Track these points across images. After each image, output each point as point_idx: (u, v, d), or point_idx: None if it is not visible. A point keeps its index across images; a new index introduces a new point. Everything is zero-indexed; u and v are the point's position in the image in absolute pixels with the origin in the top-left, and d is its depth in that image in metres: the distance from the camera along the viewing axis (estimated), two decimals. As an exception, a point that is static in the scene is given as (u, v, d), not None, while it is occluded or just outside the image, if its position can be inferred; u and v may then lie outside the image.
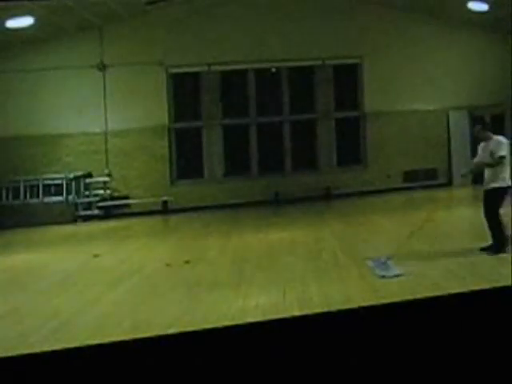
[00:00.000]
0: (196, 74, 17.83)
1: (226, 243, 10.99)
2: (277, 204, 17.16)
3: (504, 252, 7.78)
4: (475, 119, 17.75)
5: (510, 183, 8.13)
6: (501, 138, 8.26)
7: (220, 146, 17.91)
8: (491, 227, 8.08)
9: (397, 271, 7.39)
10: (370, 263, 7.86)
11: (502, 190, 8.09)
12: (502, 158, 8.05)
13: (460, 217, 12.90)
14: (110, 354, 1.83)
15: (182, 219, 15.92)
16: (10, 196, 16.27)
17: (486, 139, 8.31)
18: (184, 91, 17.91)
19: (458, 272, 7.21)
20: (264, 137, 18.09)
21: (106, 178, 16.79)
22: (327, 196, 17.41)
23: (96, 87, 16.98)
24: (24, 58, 16.68)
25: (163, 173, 17.48)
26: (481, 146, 8.41)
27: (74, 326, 6.18)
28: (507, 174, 8.13)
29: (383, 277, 7.24)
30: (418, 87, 17.91)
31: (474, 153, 17.74)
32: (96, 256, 10.16)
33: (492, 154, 8.14)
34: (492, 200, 8.12)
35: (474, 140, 17.92)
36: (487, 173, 8.24)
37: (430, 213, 9.92)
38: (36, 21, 14.79)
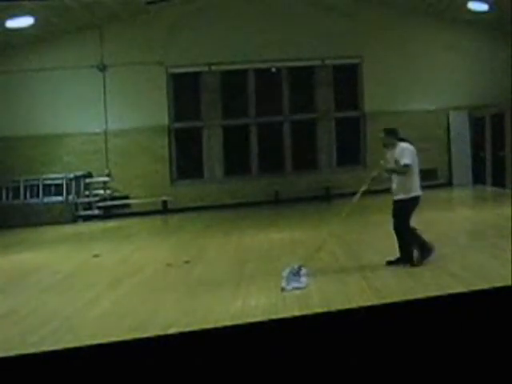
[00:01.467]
0: (196, 74, 17.83)
1: (225, 243, 10.99)
2: (277, 204, 17.16)
3: (411, 263, 7.50)
4: (475, 119, 17.82)
5: (418, 193, 7.74)
6: (405, 145, 7.85)
7: (220, 146, 17.91)
8: (399, 239, 7.70)
9: (300, 284, 7.06)
10: (284, 273, 7.45)
11: (409, 201, 7.69)
12: (406, 166, 7.67)
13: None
14: (110, 353, 1.83)
15: (181, 219, 15.92)
16: (10, 196, 16.27)
17: (392, 146, 7.96)
18: (184, 91, 17.90)
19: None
20: (264, 137, 18.09)
21: (106, 178, 16.79)
22: (327, 196, 17.40)
23: (96, 87, 16.98)
24: (24, 58, 16.68)
25: (163, 173, 17.48)
26: (389, 154, 8.06)
27: (74, 326, 6.18)
28: (415, 183, 7.75)
29: (282, 289, 6.91)
30: (418, 87, 17.91)
31: (474, 153, 17.89)
32: (96, 256, 10.16)
33: (396, 161, 7.79)
34: (400, 211, 7.71)
35: (472, 140, 18.02)
36: (394, 182, 7.87)
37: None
38: (36, 21, 14.78)
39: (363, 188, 8.15)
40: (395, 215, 7.79)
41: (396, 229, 7.76)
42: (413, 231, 7.70)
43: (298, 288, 6.93)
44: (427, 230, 10.68)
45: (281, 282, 7.12)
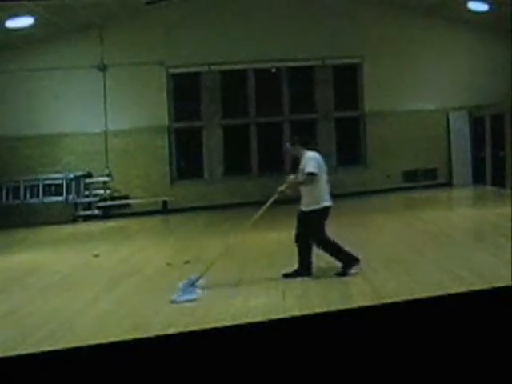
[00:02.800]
0: (196, 74, 17.83)
1: (225, 243, 10.97)
2: (277, 204, 17.11)
3: (309, 275, 7.31)
4: (475, 119, 17.82)
5: (329, 203, 7.47)
6: (310, 154, 7.48)
7: (220, 146, 17.91)
8: (300, 251, 7.47)
9: (193, 296, 6.83)
10: (181, 284, 7.22)
11: (316, 213, 7.40)
12: (310, 174, 7.32)
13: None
14: (110, 354, 1.83)
15: (181, 219, 15.91)
16: (10, 196, 16.27)
17: (299, 155, 7.58)
18: (184, 91, 17.90)
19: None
20: (264, 137, 18.09)
21: (106, 178, 16.79)
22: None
23: (96, 87, 16.97)
24: (24, 58, 16.68)
25: (163, 173, 17.48)
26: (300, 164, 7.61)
27: (74, 326, 6.18)
28: (323, 194, 7.44)
29: (173, 301, 6.67)
30: (418, 87, 17.92)
31: (474, 153, 17.89)
32: (96, 256, 10.16)
33: (302, 171, 7.45)
34: (311, 223, 7.42)
35: (472, 140, 18.02)
36: (302, 192, 7.53)
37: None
38: (36, 21, 14.79)
39: (270, 201, 7.95)
40: (305, 227, 7.45)
41: (297, 241, 7.50)
42: (332, 241, 7.46)
43: (188, 300, 6.69)
44: (427, 230, 10.72)
45: (177, 292, 6.92)
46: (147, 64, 17.04)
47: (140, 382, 1.77)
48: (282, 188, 7.74)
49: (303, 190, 7.50)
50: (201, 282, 7.32)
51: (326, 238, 7.42)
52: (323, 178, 7.50)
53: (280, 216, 15.15)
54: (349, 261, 7.34)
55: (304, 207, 7.54)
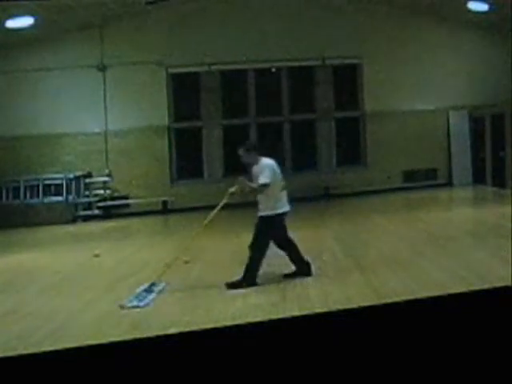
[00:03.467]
0: (196, 74, 17.82)
1: (225, 243, 10.99)
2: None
3: (254, 285, 7.11)
4: (475, 119, 17.82)
5: (285, 209, 7.36)
6: (265, 162, 7.33)
7: (220, 146, 17.90)
8: (289, 254, 7.37)
9: (143, 302, 6.74)
10: (137, 289, 7.18)
11: (270, 219, 7.24)
12: (263, 185, 7.16)
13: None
14: (110, 354, 1.83)
15: (181, 219, 15.90)
16: (10, 196, 16.26)
17: (254, 162, 7.40)
18: (184, 91, 17.90)
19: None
20: (264, 137, 18.08)
21: (106, 178, 16.79)
22: (327, 196, 17.40)
23: (96, 87, 16.97)
24: (24, 58, 16.68)
25: (163, 173, 17.48)
26: (253, 170, 7.46)
27: (74, 326, 6.18)
28: (277, 201, 7.30)
29: (121, 307, 6.57)
30: (418, 87, 17.91)
31: (474, 153, 17.88)
32: (96, 256, 10.15)
33: (256, 178, 7.30)
34: (259, 229, 7.30)
35: (472, 140, 18.02)
36: (259, 198, 7.35)
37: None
38: (36, 21, 14.78)
39: (221, 204, 7.91)
40: (258, 231, 7.32)
41: (284, 243, 7.43)
42: (292, 246, 7.40)
43: (137, 306, 6.60)
44: (427, 230, 10.72)
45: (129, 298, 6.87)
46: (147, 64, 17.04)
47: (140, 382, 1.77)
48: (232, 190, 7.63)
49: (259, 196, 7.35)
50: (161, 287, 7.26)
51: (265, 245, 7.26)
52: (278, 185, 7.38)
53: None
54: (250, 279, 7.19)
55: (260, 212, 7.39)
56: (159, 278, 7.39)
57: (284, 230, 7.45)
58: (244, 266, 7.27)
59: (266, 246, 7.30)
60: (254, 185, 7.31)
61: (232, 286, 7.18)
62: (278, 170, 7.45)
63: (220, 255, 9.91)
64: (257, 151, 7.49)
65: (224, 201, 7.82)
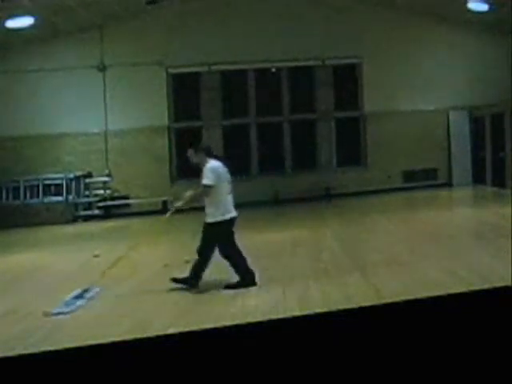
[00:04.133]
0: (196, 74, 17.83)
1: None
2: (277, 204, 17.15)
3: (195, 287, 7.04)
4: (475, 119, 17.82)
5: (231, 215, 7.21)
6: (211, 164, 7.19)
7: (220, 146, 17.89)
8: (233, 261, 7.17)
9: (68, 308, 6.57)
10: (67, 296, 7.05)
11: (217, 225, 7.09)
12: (207, 187, 7.03)
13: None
14: (110, 353, 1.83)
15: (181, 219, 15.87)
16: (10, 196, 16.26)
17: (202, 164, 7.27)
18: (184, 91, 17.91)
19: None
20: (264, 137, 18.09)
21: (106, 178, 16.79)
22: (327, 196, 17.41)
23: (96, 87, 16.98)
24: (24, 58, 16.69)
25: (163, 173, 17.49)
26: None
27: (74, 326, 6.18)
28: (224, 205, 7.15)
29: (45, 314, 6.39)
30: (418, 87, 17.92)
31: (474, 153, 17.88)
32: (96, 256, 10.15)
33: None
34: (206, 235, 7.17)
35: (472, 140, 18.02)
36: (206, 202, 7.18)
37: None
38: (36, 21, 14.79)
39: (172, 210, 7.72)
40: (205, 237, 7.19)
41: (198, 250, 7.23)
42: (238, 254, 7.25)
43: (62, 313, 6.45)
44: (427, 230, 10.72)
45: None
46: (147, 64, 17.04)
47: (140, 382, 1.77)
48: (188, 193, 7.46)
49: (205, 200, 7.17)
50: (94, 293, 7.17)
51: (211, 250, 7.13)
52: (225, 189, 7.22)
53: (281, 216, 15.15)
54: (195, 281, 7.12)
55: (207, 218, 7.21)
56: (89, 287, 7.26)
57: (231, 237, 7.27)
58: (190, 269, 7.18)
59: (212, 251, 7.17)
60: (198, 190, 7.24)
61: (177, 281, 7.18)
62: (224, 174, 7.30)
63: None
64: (205, 152, 7.40)
65: (173, 210, 7.73)
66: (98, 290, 7.36)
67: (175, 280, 7.24)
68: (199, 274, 7.18)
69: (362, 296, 6.38)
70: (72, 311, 6.59)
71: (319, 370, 1.82)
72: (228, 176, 7.36)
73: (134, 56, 16.93)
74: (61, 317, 6.41)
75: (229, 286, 7.16)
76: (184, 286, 7.17)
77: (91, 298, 7.09)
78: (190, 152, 7.56)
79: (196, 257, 7.26)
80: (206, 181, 7.09)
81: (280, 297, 6.68)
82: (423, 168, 18.04)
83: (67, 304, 6.79)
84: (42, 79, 16.71)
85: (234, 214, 7.29)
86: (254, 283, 7.18)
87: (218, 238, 7.18)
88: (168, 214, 7.81)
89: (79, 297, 7.04)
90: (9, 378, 1.72)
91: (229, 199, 7.29)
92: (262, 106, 18.05)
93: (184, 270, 7.51)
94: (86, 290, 7.20)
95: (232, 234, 7.29)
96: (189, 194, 7.41)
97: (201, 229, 7.41)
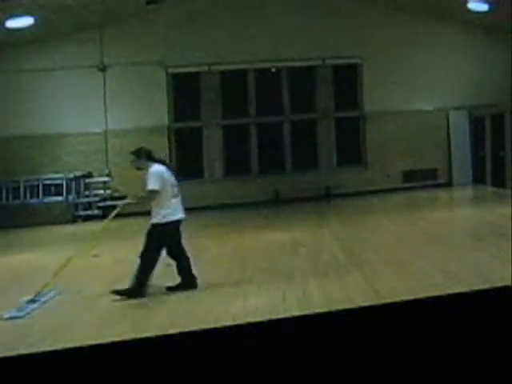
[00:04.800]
0: (196, 74, 17.82)
1: (225, 243, 11.00)
2: (277, 204, 17.16)
3: (141, 296, 6.89)
4: (475, 119, 17.81)
5: (177, 217, 7.22)
6: (154, 169, 7.21)
7: (220, 146, 17.91)
8: (140, 266, 7.00)
9: (22, 313, 6.48)
10: (21, 299, 6.97)
11: (161, 227, 7.07)
12: (152, 192, 7.04)
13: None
14: (109, 353, 1.83)
15: (181, 219, 15.88)
16: (10, 196, 16.26)
17: (145, 169, 7.31)
18: (184, 91, 17.90)
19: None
20: (264, 137, 18.09)
21: (106, 178, 16.78)
22: (327, 196, 17.41)
23: (96, 87, 16.97)
24: (24, 58, 16.68)
25: (163, 173, 17.45)
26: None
27: (73, 326, 6.18)
28: (170, 208, 7.15)
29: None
30: (418, 87, 17.91)
31: (474, 153, 17.87)
32: (95, 256, 10.14)
33: (145, 186, 7.17)
34: (149, 237, 7.10)
35: (472, 140, 18.02)
36: (152, 205, 7.19)
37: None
38: (36, 21, 14.78)
39: (114, 213, 7.78)
40: (149, 239, 7.12)
41: (176, 252, 7.26)
42: (184, 257, 7.24)
43: (16, 317, 6.38)
44: (427, 230, 10.72)
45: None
46: (147, 64, 17.03)
47: (140, 382, 1.77)
48: (128, 200, 7.64)
49: (151, 204, 7.17)
50: (49, 296, 7.07)
51: (154, 255, 7.05)
52: (169, 193, 7.19)
53: (281, 217, 15.17)
54: (139, 289, 6.96)
55: (151, 220, 7.21)
56: (40, 291, 7.14)
57: (178, 238, 7.25)
58: (133, 276, 7.04)
59: (158, 255, 7.09)
60: (142, 193, 7.26)
61: (119, 293, 6.96)
62: (168, 177, 7.28)
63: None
64: (147, 157, 7.42)
65: (115, 211, 7.84)
66: (53, 292, 7.26)
67: (117, 292, 7.01)
68: (144, 281, 6.98)
69: (361, 296, 6.38)
70: (25, 315, 6.47)
71: (319, 370, 1.82)
72: (173, 180, 7.35)
73: (134, 56, 16.91)
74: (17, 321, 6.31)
75: (170, 288, 7.13)
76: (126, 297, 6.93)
77: (46, 302, 6.98)
78: (132, 157, 7.57)
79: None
80: (150, 186, 7.08)
81: (279, 298, 6.67)
82: (423, 168, 18.03)
83: (20, 308, 6.66)
84: (42, 79, 16.70)
85: (179, 216, 7.28)
86: (194, 286, 7.12)
87: (162, 240, 7.11)
88: (108, 219, 7.86)
89: (33, 300, 6.90)
90: (9, 378, 1.72)
91: (174, 202, 7.26)
92: (262, 106, 18.05)
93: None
94: (39, 294, 7.03)
95: (179, 235, 7.26)
96: (133, 196, 7.58)
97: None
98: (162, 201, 7.10)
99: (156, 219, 7.10)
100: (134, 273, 7.02)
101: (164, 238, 7.14)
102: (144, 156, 7.46)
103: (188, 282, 7.17)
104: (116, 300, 6.93)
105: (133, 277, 7.01)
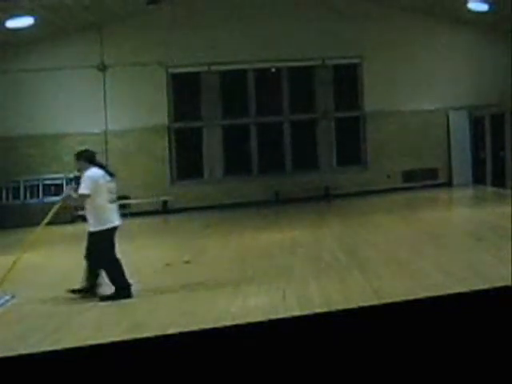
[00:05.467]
0: (196, 74, 17.83)
1: (226, 243, 11.00)
2: (277, 204, 17.16)
3: (129, 297, 6.92)
4: (475, 119, 17.81)
5: (112, 224, 7.06)
6: (90, 172, 7.07)
7: (220, 146, 17.91)
8: (108, 274, 7.04)
9: None
10: None
11: (98, 234, 6.99)
12: (82, 196, 6.97)
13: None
14: (109, 354, 1.83)
15: (181, 219, 15.91)
16: (10, 196, 16.25)
17: (83, 171, 7.18)
18: (184, 91, 17.90)
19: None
20: (264, 137, 18.09)
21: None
22: (327, 196, 17.41)
23: (96, 87, 16.97)
24: (24, 58, 16.68)
25: (163, 173, 17.48)
26: None
27: (73, 326, 6.18)
28: (106, 214, 7.02)
29: None
30: (418, 87, 17.91)
31: (474, 153, 17.88)
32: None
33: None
34: (94, 247, 7.06)
35: (472, 140, 18.02)
36: (87, 212, 7.13)
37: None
38: (36, 21, 14.78)
39: (46, 220, 7.60)
40: (94, 250, 7.06)
41: (87, 258, 7.19)
42: (116, 265, 7.10)
43: None
44: (427, 230, 10.72)
45: None
46: (147, 64, 17.04)
47: (140, 382, 1.77)
48: (58, 205, 7.48)
49: (86, 209, 7.11)
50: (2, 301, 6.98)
51: (113, 259, 7.06)
52: (104, 198, 7.06)
53: (281, 217, 15.17)
54: (121, 291, 6.99)
55: (89, 228, 7.14)
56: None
57: (111, 247, 7.14)
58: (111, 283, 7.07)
59: (113, 253, 7.07)
60: (75, 195, 7.21)
61: (104, 298, 7.01)
62: (105, 183, 7.13)
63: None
64: (87, 160, 7.27)
65: (53, 210, 7.58)
66: (7, 297, 7.18)
67: (73, 291, 7.11)
68: (124, 282, 7.04)
69: (361, 296, 6.38)
70: None
71: (319, 370, 1.82)
72: (110, 185, 7.21)
73: (134, 56, 16.92)
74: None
75: (103, 298, 7.04)
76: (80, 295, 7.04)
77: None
78: (74, 159, 7.51)
79: None
80: (81, 190, 7.01)
81: (279, 298, 6.67)
82: (423, 168, 18.03)
83: None
84: (42, 79, 16.71)
85: (115, 223, 7.13)
86: (129, 296, 7.04)
87: (99, 247, 7.03)
88: (43, 224, 7.70)
89: None
90: (9, 378, 1.72)
91: (109, 208, 7.12)
92: (262, 106, 18.05)
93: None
94: None
95: (113, 243, 7.13)
96: (69, 189, 7.49)
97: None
98: (97, 206, 7.00)
99: (94, 227, 7.02)
100: (84, 277, 7.07)
101: (101, 245, 7.04)
102: (83, 159, 7.29)
103: (123, 288, 7.08)
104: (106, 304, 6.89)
105: (85, 279, 7.10)
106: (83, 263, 7.26)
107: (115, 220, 7.15)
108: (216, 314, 6.16)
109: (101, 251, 7.03)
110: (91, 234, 7.07)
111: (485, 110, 17.16)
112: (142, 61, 16.99)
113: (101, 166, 7.29)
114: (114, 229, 7.14)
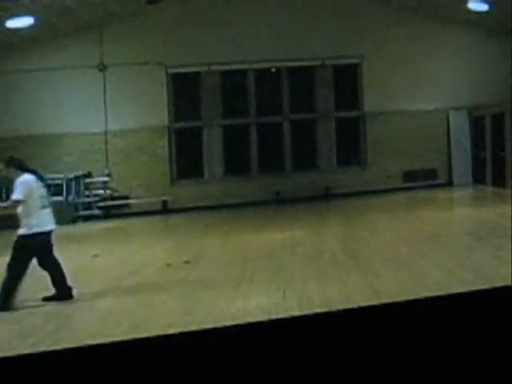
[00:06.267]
0: (196, 74, 17.83)
1: (226, 243, 10.99)
2: (277, 204, 17.16)
3: (7, 310, 6.69)
4: (475, 119, 17.82)
5: (41, 229, 6.99)
6: (22, 178, 6.96)
7: (220, 146, 17.91)
8: (6, 278, 6.83)
9: None
10: None
11: (27, 238, 6.92)
12: (16, 201, 6.91)
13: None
14: (110, 353, 1.83)
15: (181, 219, 15.91)
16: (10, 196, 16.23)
17: (15, 177, 7.04)
18: (184, 91, 17.91)
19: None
20: (264, 137, 18.09)
21: (106, 178, 16.79)
22: (327, 196, 17.41)
23: (96, 87, 16.98)
24: (24, 58, 16.69)
25: (163, 173, 17.49)
26: None
27: (74, 327, 6.18)
28: (37, 219, 6.96)
29: None
30: (418, 87, 17.92)
31: (474, 153, 17.88)
32: (96, 256, 10.16)
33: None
34: (16, 248, 6.98)
35: (472, 140, 18.02)
36: (19, 216, 7.02)
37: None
38: (36, 21, 14.78)
39: None
40: (15, 250, 6.98)
41: (47, 263, 7.09)
42: (56, 267, 7.06)
43: None
44: (427, 230, 10.72)
45: None
46: (147, 64, 17.05)
47: (140, 382, 1.77)
48: (3, 204, 7.33)
49: (19, 213, 7.02)
50: None
51: (22, 268, 6.88)
52: (37, 203, 7.02)
53: (280, 217, 15.17)
54: (1, 303, 6.78)
55: (19, 231, 7.08)
56: None
57: (49, 249, 7.12)
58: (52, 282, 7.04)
59: (25, 266, 6.95)
60: (4, 204, 7.15)
61: (48, 299, 6.96)
62: (37, 188, 7.09)
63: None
64: (17, 166, 7.15)
65: None
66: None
67: (47, 298, 7.06)
68: (11, 294, 6.83)
69: (361, 295, 6.38)
70: None
71: (319, 370, 1.82)
72: (42, 191, 7.18)
73: (134, 56, 16.93)
74: None
75: (46, 298, 7.04)
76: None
77: None
78: (1, 166, 7.26)
79: None
80: (15, 196, 6.95)
81: (279, 298, 6.67)
82: (423, 168, 18.04)
83: None
84: (42, 79, 16.71)
85: (49, 227, 7.12)
86: (70, 297, 7.07)
87: (30, 251, 6.98)
88: None
89: None
90: (8, 378, 1.72)
91: (42, 213, 7.09)
92: (262, 106, 18.05)
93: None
94: None
95: (50, 246, 7.13)
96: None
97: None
98: (30, 211, 6.96)
99: (23, 230, 6.99)
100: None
101: (32, 249, 6.99)
102: (13, 165, 7.16)
103: (63, 292, 7.08)
104: None
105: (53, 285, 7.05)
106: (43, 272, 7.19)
107: (49, 225, 7.14)
108: (216, 314, 6.16)
109: (37, 254, 6.99)
110: (22, 237, 7.00)
111: (485, 110, 17.16)
112: (141, 61, 17.00)
113: (32, 172, 7.22)
114: (49, 233, 7.13)
